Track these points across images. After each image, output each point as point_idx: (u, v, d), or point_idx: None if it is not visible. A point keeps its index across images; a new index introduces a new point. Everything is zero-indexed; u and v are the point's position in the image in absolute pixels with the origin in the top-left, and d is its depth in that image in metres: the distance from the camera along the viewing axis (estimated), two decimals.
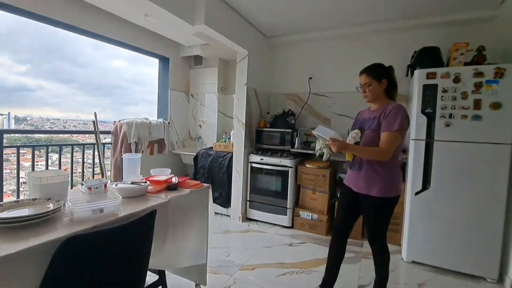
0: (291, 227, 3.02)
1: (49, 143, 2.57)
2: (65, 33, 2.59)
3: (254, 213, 3.19)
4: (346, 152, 1.65)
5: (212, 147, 3.51)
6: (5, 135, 2.19)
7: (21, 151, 2.34)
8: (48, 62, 2.80)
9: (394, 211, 1.60)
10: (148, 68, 3.81)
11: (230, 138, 3.49)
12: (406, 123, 1.52)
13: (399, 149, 1.57)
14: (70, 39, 2.80)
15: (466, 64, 2.17)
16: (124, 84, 3.62)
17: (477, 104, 2.05)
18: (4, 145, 2.16)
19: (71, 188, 2.40)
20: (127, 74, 3.67)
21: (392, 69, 1.67)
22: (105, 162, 2.34)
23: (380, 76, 1.60)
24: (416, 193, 2.26)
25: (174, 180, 1.61)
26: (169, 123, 3.67)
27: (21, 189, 2.28)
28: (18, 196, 2.24)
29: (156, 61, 3.70)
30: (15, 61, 2.52)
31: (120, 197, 1.15)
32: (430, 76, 2.19)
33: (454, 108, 2.11)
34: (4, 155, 2.16)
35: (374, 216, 1.60)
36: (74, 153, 2.69)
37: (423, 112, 2.22)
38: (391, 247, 2.60)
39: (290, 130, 3.11)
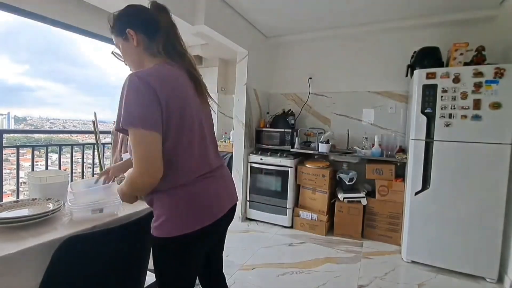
0: (291, 227, 3.02)
1: (48, 143, 2.57)
2: (64, 34, 2.59)
3: (254, 213, 3.18)
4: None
5: None
6: (4, 135, 2.19)
7: (20, 151, 2.33)
8: (47, 62, 2.83)
9: (186, 261, 0.90)
10: None
11: (230, 138, 3.49)
12: (142, 106, 0.78)
13: (175, 152, 0.85)
14: (69, 40, 2.81)
15: (466, 64, 2.17)
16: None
17: (477, 104, 2.05)
18: (3, 145, 2.15)
19: None
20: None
21: (146, 11, 0.94)
22: (105, 162, 2.34)
23: (121, 29, 0.92)
24: (416, 193, 2.26)
25: None
26: None
27: (20, 189, 2.28)
28: (18, 196, 2.24)
29: None
30: (14, 61, 2.52)
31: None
32: (430, 76, 2.19)
33: (454, 108, 2.11)
34: (3, 155, 2.15)
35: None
36: (74, 153, 2.69)
37: (423, 112, 2.21)
38: (391, 247, 2.63)
39: (290, 130, 3.11)
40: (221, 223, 0.96)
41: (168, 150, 0.83)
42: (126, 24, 0.92)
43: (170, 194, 0.87)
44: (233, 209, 1.04)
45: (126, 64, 1.00)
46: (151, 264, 1.18)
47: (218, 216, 0.93)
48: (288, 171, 2.98)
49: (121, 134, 2.98)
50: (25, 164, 2.49)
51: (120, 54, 0.98)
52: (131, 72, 0.87)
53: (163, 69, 0.86)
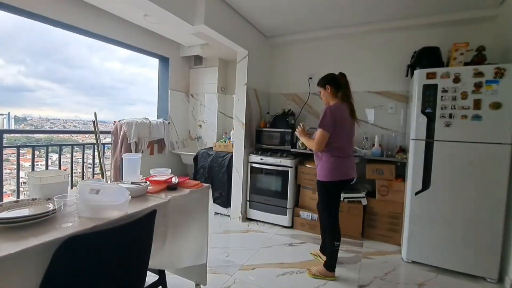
0: (291, 227, 3.02)
1: (49, 143, 2.57)
2: (63, 34, 2.59)
3: (254, 213, 3.19)
4: None
5: (212, 147, 3.51)
6: (5, 135, 2.19)
7: (21, 151, 2.34)
8: (46, 62, 2.81)
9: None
10: (147, 69, 3.81)
11: (230, 138, 3.48)
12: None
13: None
14: (68, 41, 2.80)
15: (466, 64, 2.17)
16: (123, 85, 3.62)
17: (477, 104, 2.05)
18: (4, 145, 2.16)
19: (71, 188, 2.40)
20: (125, 74, 3.67)
21: (336, 76, 2.09)
22: (105, 162, 2.34)
23: (324, 84, 2.11)
24: (416, 193, 2.26)
25: (174, 180, 1.61)
26: (169, 123, 3.67)
27: (21, 189, 2.28)
28: (18, 196, 2.24)
29: (155, 61, 3.70)
30: (13, 61, 2.52)
31: (128, 192, 1.16)
32: (430, 76, 2.19)
33: (454, 108, 2.11)
34: (4, 155, 2.16)
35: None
36: (74, 153, 2.69)
37: (423, 112, 2.21)
38: (391, 247, 2.63)
39: (290, 130, 3.10)
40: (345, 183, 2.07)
41: (332, 139, 1.97)
42: (327, 82, 2.08)
43: (328, 162, 2.01)
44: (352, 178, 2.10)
45: (321, 99, 2.19)
46: (151, 264, 1.18)
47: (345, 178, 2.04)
48: (288, 171, 2.98)
49: (121, 135, 2.98)
50: (26, 164, 2.49)
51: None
52: (326, 105, 2.09)
53: (339, 106, 2.01)
